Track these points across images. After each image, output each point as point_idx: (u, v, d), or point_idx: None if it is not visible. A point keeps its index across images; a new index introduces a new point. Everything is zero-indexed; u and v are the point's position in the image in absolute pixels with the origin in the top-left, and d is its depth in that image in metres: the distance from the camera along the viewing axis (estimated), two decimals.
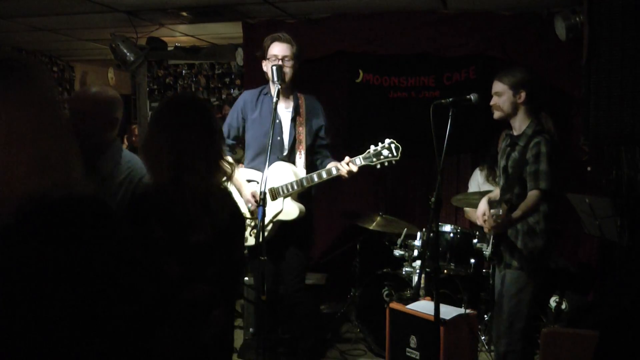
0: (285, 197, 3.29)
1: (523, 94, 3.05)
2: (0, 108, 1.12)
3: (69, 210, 1.13)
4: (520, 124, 3.11)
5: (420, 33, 4.52)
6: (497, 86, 3.10)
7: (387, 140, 3.21)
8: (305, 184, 3.26)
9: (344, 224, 4.94)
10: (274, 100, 3.07)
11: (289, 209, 3.29)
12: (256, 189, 3.25)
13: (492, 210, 3.01)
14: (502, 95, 3.08)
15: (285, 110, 3.41)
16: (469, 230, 4.37)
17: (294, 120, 3.38)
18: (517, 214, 2.95)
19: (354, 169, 3.20)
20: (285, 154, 3.38)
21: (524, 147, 3.04)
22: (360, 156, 3.23)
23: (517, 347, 3.06)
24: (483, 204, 3.14)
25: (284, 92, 3.37)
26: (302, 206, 3.34)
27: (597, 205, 3.66)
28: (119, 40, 4.96)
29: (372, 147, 3.22)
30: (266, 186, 2.85)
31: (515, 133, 3.15)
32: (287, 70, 3.30)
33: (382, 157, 3.20)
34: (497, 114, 3.13)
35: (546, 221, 3.04)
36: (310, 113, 3.42)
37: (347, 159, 3.23)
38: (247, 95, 3.49)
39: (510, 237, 3.08)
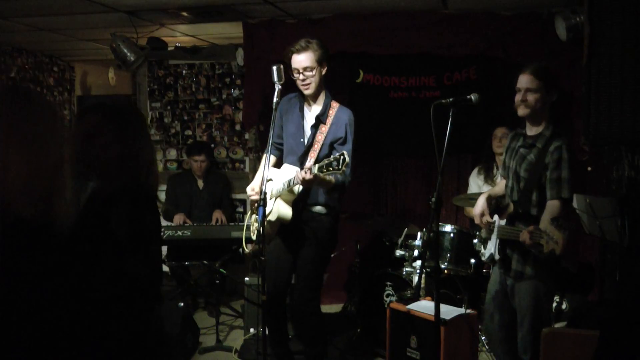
0: (275, 198, 3.30)
1: (555, 93, 2.90)
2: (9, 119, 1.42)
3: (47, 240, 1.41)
4: (539, 125, 2.93)
5: (421, 33, 4.51)
6: (533, 82, 2.86)
7: (340, 152, 2.89)
8: (286, 187, 3.22)
9: (344, 224, 4.94)
10: (275, 100, 3.11)
11: (273, 210, 3.29)
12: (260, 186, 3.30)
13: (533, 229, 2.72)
14: (535, 92, 2.85)
15: (310, 115, 3.40)
16: (469, 230, 4.37)
17: (315, 127, 3.35)
18: (546, 227, 2.71)
19: (307, 176, 2.98)
20: (298, 158, 3.36)
21: (542, 149, 2.87)
22: (317, 164, 2.99)
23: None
24: (481, 202, 3.09)
25: (312, 97, 3.36)
26: (284, 211, 3.28)
27: (598, 205, 3.67)
28: (120, 40, 4.96)
29: (332, 156, 2.94)
30: (266, 186, 2.91)
31: (530, 133, 2.97)
32: (310, 80, 3.26)
33: (330, 168, 2.90)
34: (524, 111, 2.90)
35: None
36: (334, 124, 3.33)
37: (308, 164, 3.03)
38: (285, 98, 3.45)
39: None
